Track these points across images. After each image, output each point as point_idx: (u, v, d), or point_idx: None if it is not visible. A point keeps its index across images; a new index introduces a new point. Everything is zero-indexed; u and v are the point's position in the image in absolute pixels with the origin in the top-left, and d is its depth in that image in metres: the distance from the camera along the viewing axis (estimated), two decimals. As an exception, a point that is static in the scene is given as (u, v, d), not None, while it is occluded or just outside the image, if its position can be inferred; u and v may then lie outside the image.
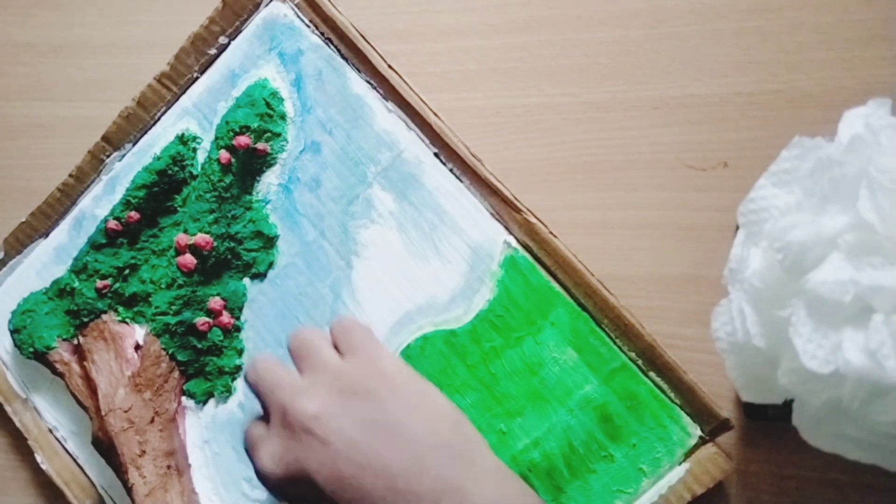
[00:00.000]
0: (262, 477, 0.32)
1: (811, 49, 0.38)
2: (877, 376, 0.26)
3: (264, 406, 0.34)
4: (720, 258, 0.32)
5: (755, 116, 0.38)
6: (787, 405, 0.30)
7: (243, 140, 0.41)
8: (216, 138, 0.41)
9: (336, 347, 0.34)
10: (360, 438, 0.30)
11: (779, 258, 0.28)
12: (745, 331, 0.29)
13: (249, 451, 0.33)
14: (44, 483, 0.45)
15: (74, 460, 0.44)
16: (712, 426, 0.36)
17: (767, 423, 0.36)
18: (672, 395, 0.37)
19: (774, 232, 0.28)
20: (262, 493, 0.41)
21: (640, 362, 0.37)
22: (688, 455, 0.36)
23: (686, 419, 0.36)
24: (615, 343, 0.37)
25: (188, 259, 0.41)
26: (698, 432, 0.36)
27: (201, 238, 0.40)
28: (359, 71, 0.41)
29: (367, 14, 0.42)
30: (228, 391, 0.42)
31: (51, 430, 0.44)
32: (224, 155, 0.41)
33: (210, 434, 0.42)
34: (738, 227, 0.31)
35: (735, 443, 0.37)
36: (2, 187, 0.48)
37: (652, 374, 0.37)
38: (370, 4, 0.43)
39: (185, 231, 0.41)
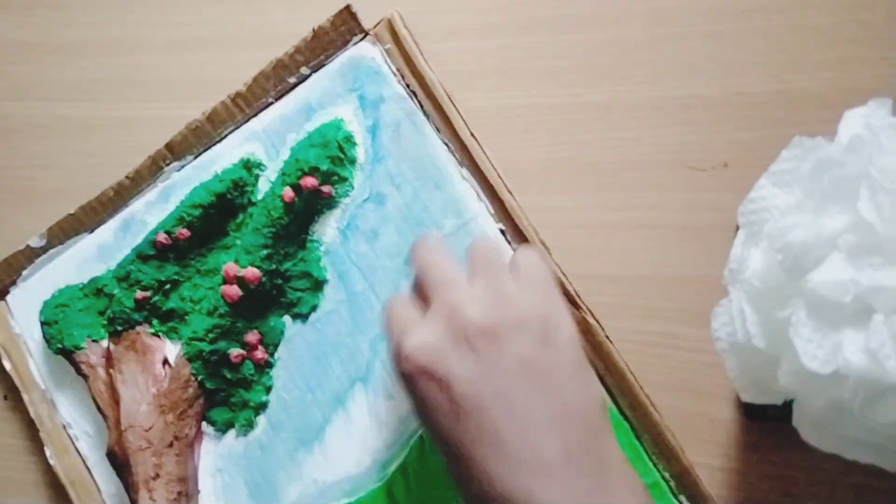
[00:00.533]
0: (401, 358, 0.31)
1: (811, 49, 0.37)
2: (877, 376, 0.26)
3: (422, 288, 0.33)
4: (720, 258, 0.32)
5: (755, 116, 0.37)
6: (787, 405, 0.30)
7: (310, 181, 0.40)
8: (283, 174, 0.40)
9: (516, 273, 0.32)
10: (514, 372, 0.29)
11: (779, 258, 0.28)
12: (745, 331, 0.29)
13: (392, 327, 0.32)
14: (51, 479, 0.44)
15: (83, 461, 0.43)
16: (734, 561, 0.36)
17: (767, 423, 0.36)
18: (699, 522, 0.36)
19: (774, 232, 0.28)
20: (265, 531, 0.41)
21: (672, 484, 0.36)
22: (703, 585, 0.36)
23: (708, 549, 0.36)
24: (651, 460, 0.37)
25: (234, 290, 0.40)
26: (718, 564, 0.36)
27: (251, 272, 0.40)
28: (438, 131, 0.40)
29: (368, 14, 0.41)
30: (250, 426, 0.41)
31: (64, 427, 0.44)
32: (288, 193, 0.40)
33: (224, 464, 0.41)
34: (738, 227, 0.31)
35: (735, 443, 0.37)
36: (1, 187, 0.47)
37: (682, 497, 0.36)
38: (369, 4, 0.42)
39: (236, 261, 0.40)
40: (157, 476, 0.40)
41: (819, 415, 0.28)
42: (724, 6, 0.38)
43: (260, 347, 0.41)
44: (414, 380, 0.30)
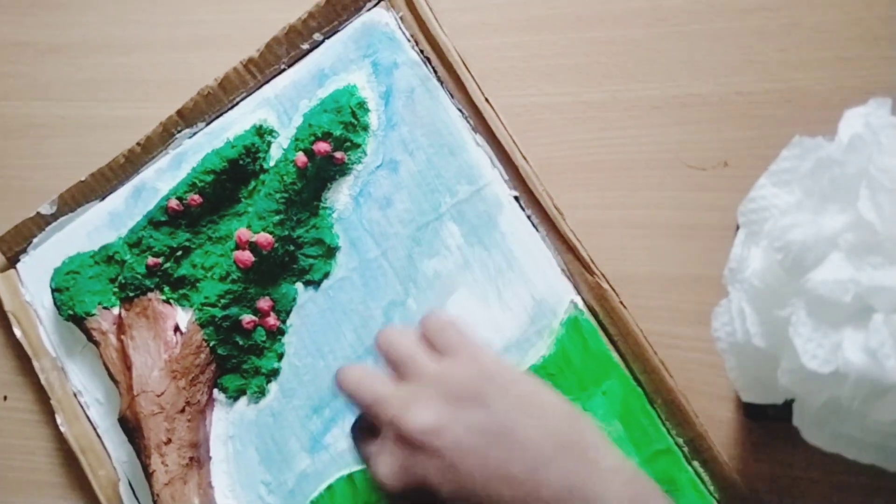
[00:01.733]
0: (380, 485, 0.32)
1: (811, 49, 0.37)
2: (877, 376, 0.26)
3: (368, 416, 0.33)
4: (720, 258, 0.32)
5: (755, 116, 0.38)
6: (787, 405, 0.30)
7: (323, 146, 0.40)
8: (296, 139, 0.40)
9: (430, 346, 0.33)
10: (476, 448, 0.30)
11: (779, 258, 0.28)
12: (745, 331, 0.29)
13: (363, 459, 0.33)
14: (62, 446, 0.44)
15: (94, 429, 0.43)
16: (746, 527, 0.36)
17: (767, 423, 0.36)
18: (712, 488, 0.36)
19: (774, 231, 0.28)
20: (276, 499, 0.41)
21: (685, 449, 0.36)
22: (716, 550, 0.36)
23: (721, 515, 0.36)
24: (664, 425, 0.37)
25: (246, 256, 0.40)
26: (730, 529, 0.36)
27: (263, 238, 0.40)
28: (452, 97, 0.40)
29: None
30: (262, 392, 0.41)
31: (75, 395, 0.44)
32: (301, 158, 0.39)
33: (235, 431, 0.41)
34: (738, 227, 0.31)
35: (735, 443, 0.37)
36: (1, 187, 0.47)
37: (696, 463, 0.36)
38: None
39: (249, 227, 0.40)
40: (169, 441, 0.40)
41: (819, 414, 0.28)
42: (723, 5, 0.38)
43: (272, 314, 0.41)
44: (404, 499, 0.32)
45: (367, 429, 0.34)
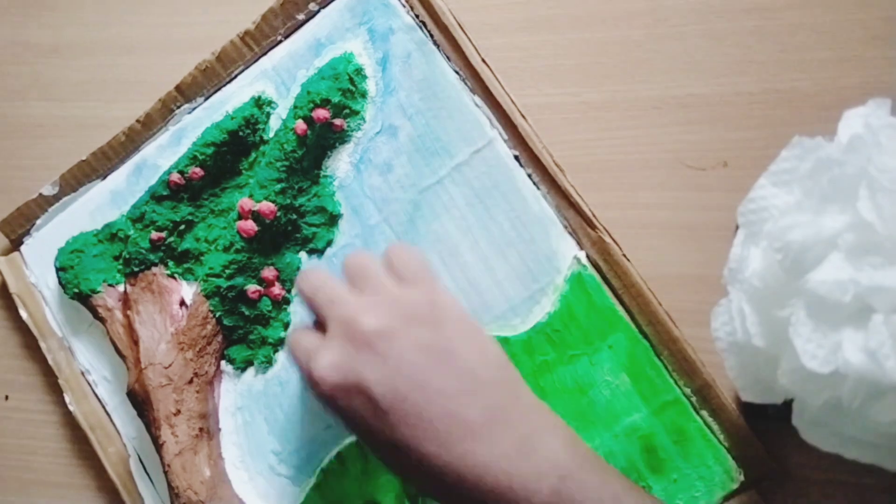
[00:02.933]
0: (316, 383, 0.33)
1: (811, 49, 0.37)
2: (876, 376, 0.26)
3: (316, 313, 0.35)
4: (720, 258, 0.32)
5: (755, 116, 0.38)
6: (787, 405, 0.30)
7: (322, 113, 0.40)
8: (295, 107, 0.40)
9: (392, 273, 0.35)
10: (418, 360, 0.32)
11: (778, 258, 0.28)
12: (745, 331, 0.29)
13: (299, 358, 0.34)
14: (70, 424, 0.45)
15: (103, 406, 0.43)
16: (757, 474, 0.36)
17: (767, 422, 0.36)
18: (721, 437, 0.36)
19: (774, 232, 0.28)
20: (286, 468, 0.41)
21: (693, 399, 0.36)
22: (727, 498, 0.36)
23: (731, 463, 0.36)
24: (671, 376, 0.37)
25: (249, 225, 0.40)
26: (741, 477, 0.36)
27: (266, 206, 0.40)
28: (449, 60, 0.40)
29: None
30: (269, 362, 0.41)
31: (83, 374, 0.44)
32: (301, 126, 0.40)
33: (244, 402, 0.42)
34: (737, 227, 0.31)
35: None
36: (1, 187, 0.47)
37: (704, 412, 0.36)
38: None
39: (251, 196, 0.40)
40: (179, 412, 0.40)
41: (818, 414, 0.29)
42: (723, 5, 0.38)
43: (277, 283, 0.41)
44: (334, 398, 0.32)
45: (309, 331, 0.35)
